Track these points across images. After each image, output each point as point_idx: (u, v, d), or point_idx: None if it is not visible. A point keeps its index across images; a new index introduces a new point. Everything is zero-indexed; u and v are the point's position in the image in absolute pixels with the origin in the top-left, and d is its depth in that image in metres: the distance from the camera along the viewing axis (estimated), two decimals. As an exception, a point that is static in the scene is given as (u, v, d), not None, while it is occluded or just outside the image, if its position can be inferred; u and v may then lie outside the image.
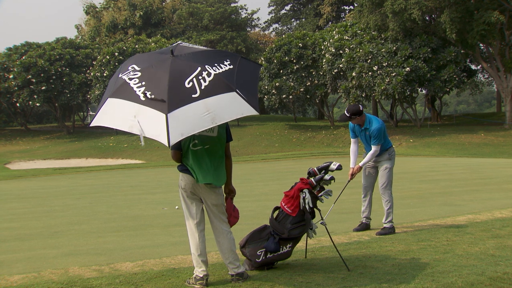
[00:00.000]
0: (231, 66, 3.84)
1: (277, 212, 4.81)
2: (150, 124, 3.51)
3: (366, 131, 6.15)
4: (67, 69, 37.63)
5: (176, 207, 8.88)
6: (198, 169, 4.11)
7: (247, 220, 6.96)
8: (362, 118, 6.09)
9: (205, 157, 4.12)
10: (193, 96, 3.58)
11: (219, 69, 3.77)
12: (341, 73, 29.55)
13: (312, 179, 4.77)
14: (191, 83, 3.63)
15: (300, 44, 32.18)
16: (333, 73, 29.69)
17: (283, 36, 35.78)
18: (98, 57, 37.03)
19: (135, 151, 31.95)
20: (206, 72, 3.71)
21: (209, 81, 3.66)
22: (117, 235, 6.62)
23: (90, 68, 37.98)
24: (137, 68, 3.83)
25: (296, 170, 14.99)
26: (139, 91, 3.64)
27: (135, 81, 3.73)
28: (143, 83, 3.69)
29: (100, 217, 8.22)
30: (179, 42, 4.23)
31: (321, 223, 4.82)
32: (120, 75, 3.88)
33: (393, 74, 26.67)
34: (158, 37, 39.72)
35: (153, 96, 3.57)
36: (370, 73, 27.42)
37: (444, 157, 20.91)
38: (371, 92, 27.68)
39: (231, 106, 3.63)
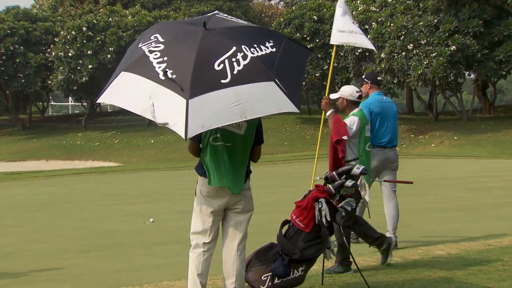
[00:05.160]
0: (274, 49, 3.87)
1: (286, 227, 4.83)
2: (166, 109, 3.56)
3: None
4: (21, 47, 37.61)
5: (151, 220, 8.92)
6: (215, 168, 4.16)
7: (250, 237, 6.96)
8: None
9: (225, 156, 4.17)
10: (222, 81, 3.62)
11: (258, 52, 3.80)
12: (367, 54, 29.50)
13: (330, 186, 4.79)
14: (221, 66, 3.67)
15: (315, 17, 32.15)
16: (357, 53, 29.64)
17: (294, 7, 35.73)
18: (61, 32, 37.03)
19: (109, 151, 32.04)
20: (242, 53, 3.74)
21: (244, 65, 3.70)
22: (86, 257, 6.66)
23: (51, 46, 37.97)
24: (161, 40, 3.87)
25: (309, 175, 14.98)
26: (159, 67, 3.68)
27: (156, 54, 3.76)
28: (165, 58, 3.73)
29: (64, 234, 8.26)
30: (215, 12, 4.27)
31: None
32: (140, 45, 3.92)
33: (434, 55, 26.61)
34: (137, 8, 39.72)
35: (174, 76, 3.61)
36: (403, 53, 27.37)
37: (499, 159, 20.87)
38: (405, 77, 27.62)
39: (266, 99, 3.67)
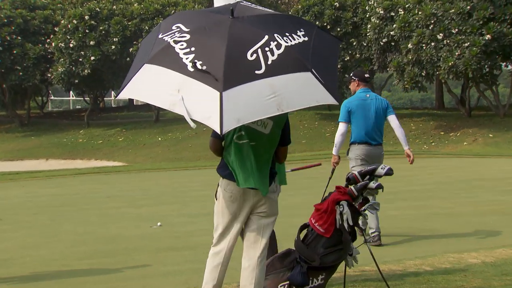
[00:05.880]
0: (306, 38, 3.93)
1: (305, 232, 4.83)
2: (198, 102, 3.62)
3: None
4: (19, 38, 37.87)
5: (159, 223, 8.96)
6: (241, 168, 4.21)
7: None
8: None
9: (251, 155, 4.23)
10: (256, 72, 3.67)
11: (291, 41, 3.85)
12: (392, 44, 29.37)
13: (352, 187, 4.79)
14: (255, 55, 3.72)
15: (336, 4, 32.07)
16: (381, 43, 29.53)
17: (314, -8, 35.57)
18: (62, 21, 37.26)
19: (113, 150, 32.21)
20: (275, 42, 3.78)
21: (278, 54, 3.75)
22: (89, 263, 6.70)
23: (51, 36, 38.25)
24: (185, 29, 3.92)
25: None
26: (187, 59, 3.73)
27: (182, 45, 3.81)
28: (193, 49, 3.78)
29: (65, 239, 8.32)
30: (239, 0, 4.30)
31: (366, 241, 4.82)
32: (160, 35, 3.96)
33: (466, 45, 26.41)
34: (143, -6, 39.84)
35: (204, 68, 3.66)
36: (433, 43, 27.21)
37: (537, 158, 20.66)
38: (435, 69, 27.46)
39: (303, 91, 3.73)
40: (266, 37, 3.79)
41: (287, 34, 3.87)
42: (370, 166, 5.01)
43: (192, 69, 3.67)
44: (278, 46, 3.77)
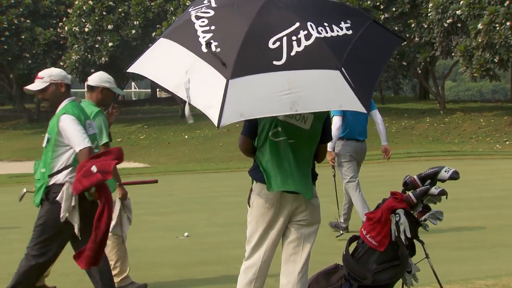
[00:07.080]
0: (349, 32, 3.88)
1: (354, 244, 4.83)
2: (202, 88, 3.65)
3: None
4: (28, 21, 38.44)
5: (186, 234, 9.02)
6: (278, 169, 4.23)
7: (308, 258, 6.98)
8: None
9: (289, 154, 4.25)
10: (274, 63, 3.66)
11: (326, 32, 3.81)
12: (459, 25, 29.02)
13: (410, 193, 4.77)
14: (277, 44, 3.71)
15: (392, -22, 31.83)
16: (445, 24, 29.19)
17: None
18: (76, 2, 37.74)
19: (133, 149, 32.46)
20: (306, 32, 3.75)
21: (305, 46, 3.72)
22: (107, 278, 6.79)
23: (64, 19, 38.77)
24: (213, 5, 3.96)
25: (384, 179, 14.87)
26: (203, 38, 3.77)
27: (203, 21, 3.85)
28: (213, 27, 3.81)
29: (80, 250, 8.43)
30: None
31: (427, 256, 4.80)
32: (190, 9, 4.04)
33: (547, 25, 25.97)
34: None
35: (218, 50, 3.68)
36: (508, 23, 26.81)
37: None
38: (510, 54, 27.05)
39: (326, 91, 3.70)
40: (297, 24, 3.76)
41: (325, 24, 3.82)
42: (432, 168, 4.96)
43: (205, 50, 3.69)
44: (308, 36, 3.73)
